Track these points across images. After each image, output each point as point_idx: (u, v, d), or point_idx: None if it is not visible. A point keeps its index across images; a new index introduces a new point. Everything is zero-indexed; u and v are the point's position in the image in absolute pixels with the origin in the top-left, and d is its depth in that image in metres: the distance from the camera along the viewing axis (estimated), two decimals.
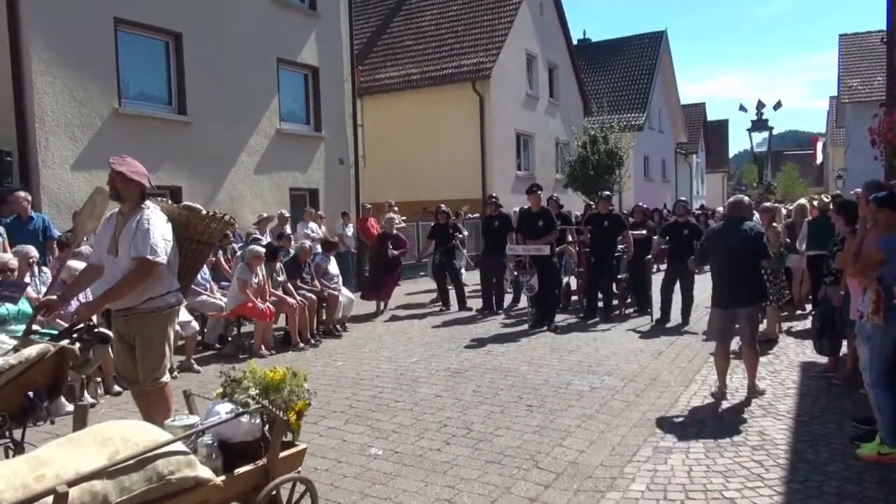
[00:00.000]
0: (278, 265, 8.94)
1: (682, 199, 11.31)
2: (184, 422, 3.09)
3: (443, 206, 12.56)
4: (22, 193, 8.42)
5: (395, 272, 11.62)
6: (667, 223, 11.40)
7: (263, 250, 8.60)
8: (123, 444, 2.57)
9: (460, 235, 12.99)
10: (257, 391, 3.20)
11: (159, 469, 2.57)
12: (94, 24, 10.21)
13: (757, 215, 8.33)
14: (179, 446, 2.73)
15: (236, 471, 2.97)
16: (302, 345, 8.54)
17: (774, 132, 14.22)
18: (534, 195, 9.97)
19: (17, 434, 3.70)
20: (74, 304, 5.47)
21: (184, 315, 7.44)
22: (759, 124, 13.68)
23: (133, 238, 4.12)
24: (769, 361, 7.27)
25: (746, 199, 6.45)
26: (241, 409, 3.10)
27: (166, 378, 4.37)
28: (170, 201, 4.78)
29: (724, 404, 5.73)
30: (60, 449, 2.53)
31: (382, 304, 11.43)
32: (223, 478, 2.88)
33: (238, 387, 3.25)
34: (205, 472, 2.73)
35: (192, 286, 6.09)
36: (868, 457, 4.35)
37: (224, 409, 3.16)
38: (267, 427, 3.18)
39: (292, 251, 9.85)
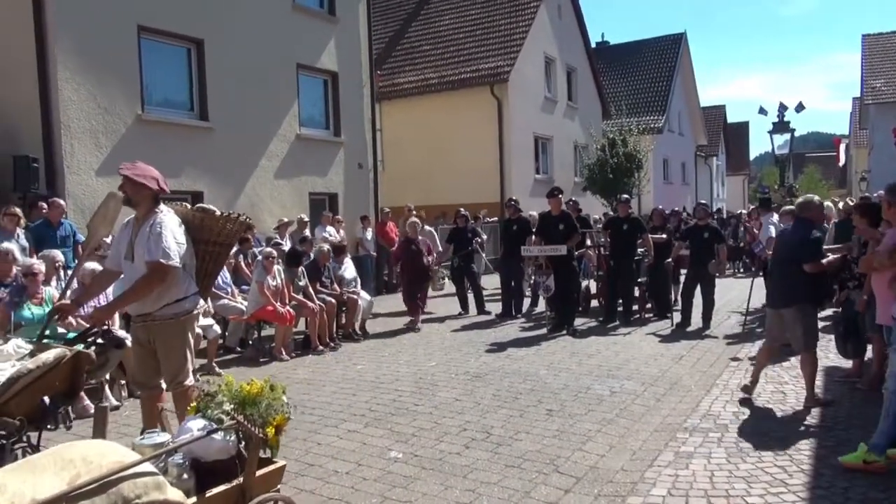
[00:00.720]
0: (300, 269, 9.01)
1: (703, 202, 11.25)
2: (153, 440, 2.93)
3: (462, 209, 12.57)
4: (60, 200, 8.62)
5: (427, 280, 10.96)
6: (687, 226, 11.31)
7: (274, 251, 8.69)
8: (85, 467, 2.36)
9: (479, 239, 13.00)
10: (232, 406, 3.04)
11: (125, 493, 2.34)
12: (118, 31, 10.38)
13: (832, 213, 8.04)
14: (147, 467, 2.53)
15: (209, 492, 2.78)
16: (322, 348, 8.60)
17: (796, 134, 14.08)
18: (554, 199, 9.99)
19: (34, 438, 3.77)
20: (90, 308, 5.57)
21: (205, 318, 7.54)
22: (781, 126, 13.54)
23: (147, 242, 4.15)
24: (792, 365, 7.18)
25: (816, 198, 6.19)
26: (214, 426, 2.93)
27: (190, 381, 4.40)
28: (187, 205, 4.79)
29: (746, 409, 5.67)
30: (16, 474, 2.31)
31: (415, 319, 10.37)
32: (195, 499, 2.71)
33: (212, 401, 3.10)
34: (175, 495, 2.53)
35: (214, 290, 6.17)
36: (853, 465, 4.23)
37: (197, 425, 2.99)
38: (243, 444, 3.02)
39: (313, 255, 9.91)
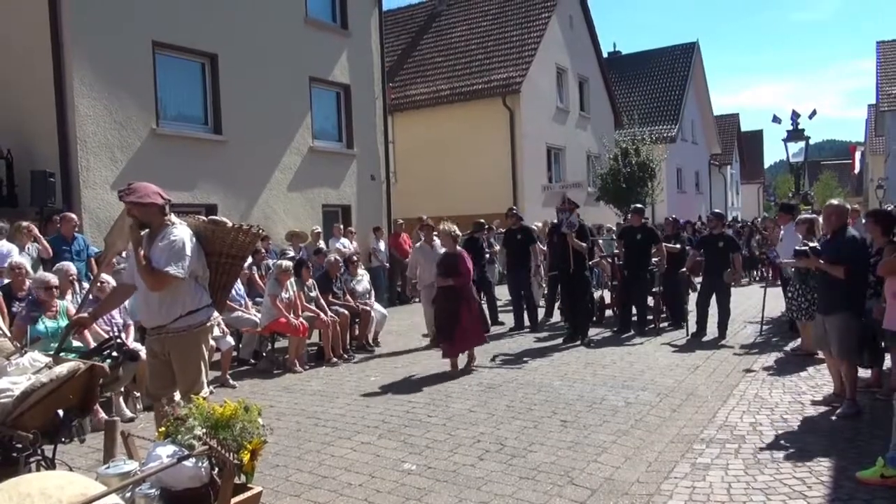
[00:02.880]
0: (310, 281, 9.02)
1: (717, 210, 11.18)
2: (119, 469, 2.77)
3: (482, 220, 12.51)
4: (72, 215, 8.71)
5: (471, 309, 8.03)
6: (702, 235, 11.23)
7: (291, 264, 8.71)
8: (44, 502, 2.18)
9: (492, 249, 12.96)
10: (204, 430, 2.88)
11: None
12: (134, 47, 10.51)
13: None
14: (113, 499, 2.34)
15: None
16: (335, 360, 8.59)
17: (811, 142, 13.95)
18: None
19: (48, 452, 3.79)
20: (107, 326, 5.60)
21: (218, 331, 7.56)
22: (795, 134, 13.43)
23: (157, 254, 4.16)
24: (810, 375, 7.11)
25: (845, 205, 6.12)
26: (184, 452, 2.77)
27: (205, 393, 4.41)
28: (202, 217, 4.79)
29: (764, 420, 5.60)
30: None
31: (468, 358, 8.08)
32: None
33: (182, 425, 2.93)
34: None
35: (228, 302, 6.18)
36: (870, 480, 4.14)
37: (166, 451, 2.81)
38: (216, 470, 2.86)
39: (324, 266, 9.92)
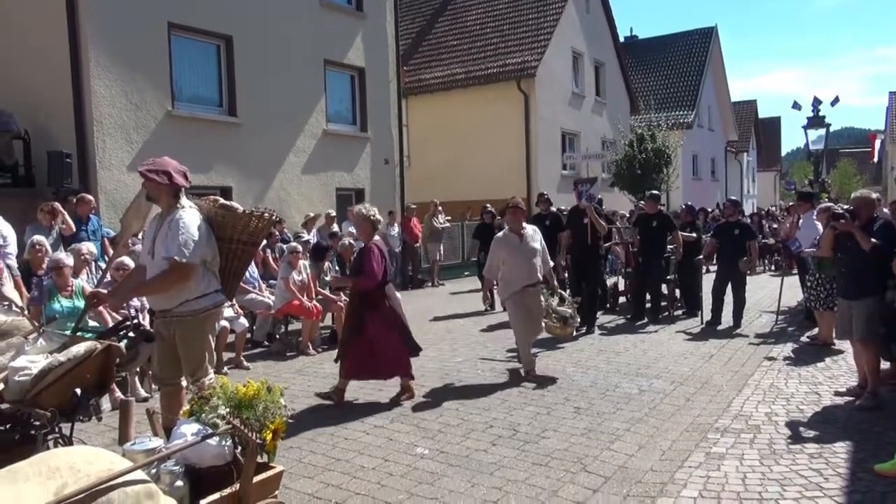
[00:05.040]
0: (327, 264, 9.03)
1: (733, 197, 11.06)
2: (145, 446, 2.79)
3: (488, 205, 12.49)
4: (89, 196, 8.74)
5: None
6: (717, 223, 11.11)
7: (300, 246, 8.72)
8: (72, 476, 2.22)
9: None
10: (227, 409, 2.91)
11: (115, 503, 2.22)
12: (150, 29, 10.50)
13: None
14: (139, 475, 2.38)
15: (203, 500, 2.66)
16: None
17: (830, 129, 13.75)
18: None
19: (66, 430, 3.82)
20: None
21: (232, 312, 7.60)
22: (815, 121, 13.24)
23: (164, 239, 4.16)
24: (827, 366, 7.04)
25: (874, 195, 6.08)
26: (208, 431, 2.80)
27: (210, 378, 4.40)
28: (219, 198, 4.75)
29: (780, 410, 5.55)
30: None
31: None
32: None
33: (206, 405, 2.97)
34: None
35: (242, 284, 6.18)
36: (888, 473, 4.09)
37: (191, 429, 2.85)
38: (239, 449, 2.89)
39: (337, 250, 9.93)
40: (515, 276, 6.64)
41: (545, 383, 6.44)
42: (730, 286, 9.42)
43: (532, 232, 6.82)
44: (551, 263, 7.02)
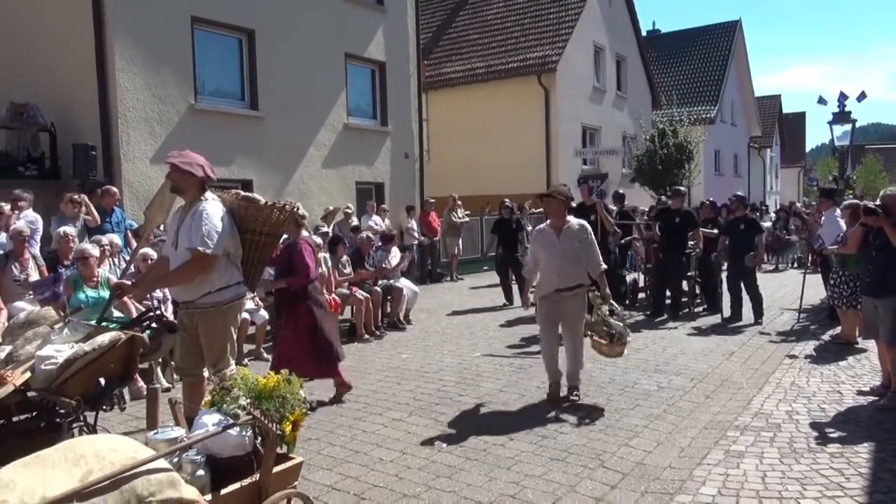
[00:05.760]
0: (344, 257, 9.08)
1: (739, 193, 10.93)
2: (167, 435, 2.82)
3: (506, 200, 12.47)
4: (113, 188, 8.87)
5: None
6: (726, 220, 11.02)
7: (319, 239, 8.77)
8: (98, 463, 2.26)
9: (525, 231, 12.89)
10: (248, 400, 2.95)
11: (138, 490, 2.26)
12: (173, 23, 10.60)
13: None
14: (161, 463, 2.42)
15: (224, 490, 2.70)
16: (367, 336, 8.66)
17: (856, 125, 13.53)
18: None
19: (90, 418, 3.90)
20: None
21: (252, 304, 7.67)
22: (841, 116, 13.03)
23: (188, 230, 4.20)
24: (850, 365, 6.95)
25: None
26: (230, 421, 2.84)
27: (231, 369, 4.45)
28: (240, 192, 4.80)
29: (801, 409, 5.49)
30: (26, 469, 2.22)
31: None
32: (210, 497, 2.64)
33: (227, 395, 3.00)
34: (189, 492, 2.43)
35: (263, 277, 6.24)
36: None
37: (212, 420, 2.88)
38: (259, 440, 2.93)
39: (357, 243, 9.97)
40: (545, 278, 5.82)
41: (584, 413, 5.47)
42: (742, 282, 9.38)
43: (577, 228, 5.77)
44: (603, 266, 5.90)
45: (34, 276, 6.72)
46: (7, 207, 7.44)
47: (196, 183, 4.29)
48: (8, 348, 4.07)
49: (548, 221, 5.88)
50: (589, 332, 5.95)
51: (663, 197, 12.45)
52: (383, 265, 9.57)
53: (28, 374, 3.70)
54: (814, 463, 4.34)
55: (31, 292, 6.45)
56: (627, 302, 10.79)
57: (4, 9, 10.86)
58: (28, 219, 7.55)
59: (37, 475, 2.18)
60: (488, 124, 20.74)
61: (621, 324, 5.90)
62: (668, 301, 10.15)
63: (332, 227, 11.47)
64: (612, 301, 5.92)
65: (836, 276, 7.88)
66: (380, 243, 10.00)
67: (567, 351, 5.85)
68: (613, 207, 10.93)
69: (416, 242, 14.09)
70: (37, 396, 3.72)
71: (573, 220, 5.84)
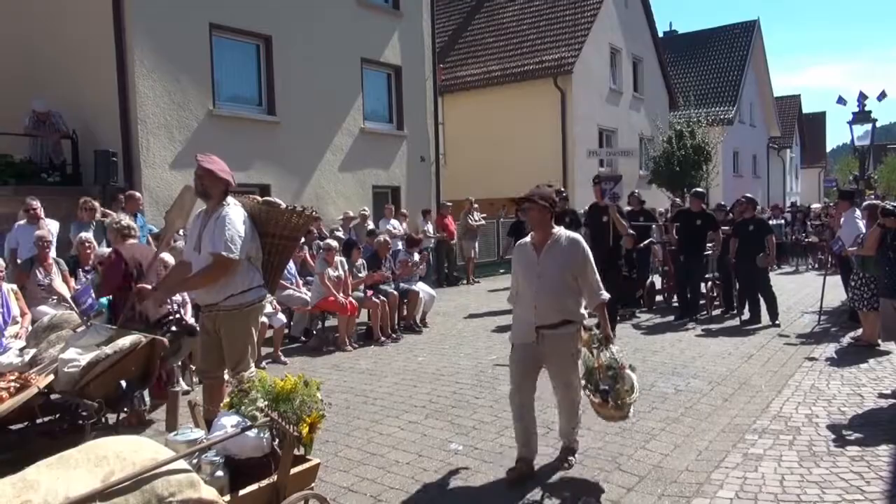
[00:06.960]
0: (360, 261, 9.13)
1: (748, 194, 10.81)
2: (187, 436, 2.88)
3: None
4: (137, 193, 8.99)
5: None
6: (735, 221, 10.93)
7: (336, 243, 8.84)
8: (119, 464, 2.33)
9: None
10: (266, 403, 2.99)
11: (158, 491, 2.31)
12: (192, 30, 10.74)
13: None
14: (181, 464, 2.48)
15: (242, 491, 2.75)
16: (384, 339, 8.70)
17: (878, 124, 13.38)
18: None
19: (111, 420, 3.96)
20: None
21: (270, 308, 7.73)
22: (862, 116, 12.89)
23: (211, 235, 4.26)
24: (871, 367, 6.86)
25: None
26: (248, 423, 2.89)
27: (251, 372, 4.49)
28: (257, 198, 4.87)
29: (821, 412, 5.44)
30: (49, 470, 2.28)
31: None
32: (228, 498, 2.68)
33: (245, 398, 3.05)
34: (208, 493, 2.47)
35: (280, 281, 6.30)
36: None
37: (231, 421, 2.94)
38: (277, 441, 2.97)
39: (373, 247, 10.02)
40: (519, 311, 4.33)
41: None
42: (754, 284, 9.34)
43: (566, 244, 4.23)
44: (604, 294, 4.30)
45: (57, 281, 6.83)
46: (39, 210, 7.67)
47: (223, 189, 4.39)
48: (32, 351, 4.16)
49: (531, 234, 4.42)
50: (583, 381, 4.35)
51: (678, 199, 12.37)
52: (408, 263, 9.67)
53: (51, 377, 3.78)
54: (833, 466, 4.30)
55: (53, 297, 6.55)
56: (643, 305, 10.73)
57: (27, 19, 11.08)
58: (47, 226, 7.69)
59: (60, 475, 2.23)
60: (504, 127, 20.73)
61: (631, 376, 4.30)
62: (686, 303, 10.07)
63: (350, 230, 11.54)
64: (612, 346, 4.38)
65: (856, 277, 7.80)
66: (403, 247, 10.10)
67: (559, 405, 4.45)
68: (629, 208, 10.85)
69: (431, 245, 14.12)
70: (60, 399, 3.79)
71: (562, 233, 4.29)
